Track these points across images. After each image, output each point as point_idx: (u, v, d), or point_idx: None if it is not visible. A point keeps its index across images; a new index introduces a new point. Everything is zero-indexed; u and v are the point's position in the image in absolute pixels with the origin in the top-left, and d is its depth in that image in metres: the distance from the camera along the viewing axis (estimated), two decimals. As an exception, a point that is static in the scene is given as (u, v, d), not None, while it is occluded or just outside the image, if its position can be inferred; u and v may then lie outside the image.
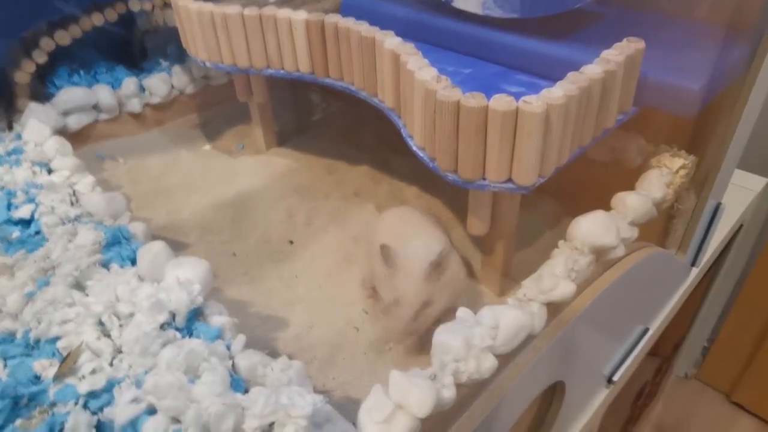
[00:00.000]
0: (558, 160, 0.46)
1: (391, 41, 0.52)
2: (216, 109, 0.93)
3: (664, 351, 1.06)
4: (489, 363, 0.40)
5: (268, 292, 0.61)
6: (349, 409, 0.47)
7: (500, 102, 0.41)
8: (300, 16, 0.60)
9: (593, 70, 0.46)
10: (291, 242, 0.69)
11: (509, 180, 0.45)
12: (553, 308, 0.45)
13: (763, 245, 1.12)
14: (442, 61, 0.61)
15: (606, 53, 0.48)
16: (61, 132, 0.75)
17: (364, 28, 0.56)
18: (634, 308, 0.65)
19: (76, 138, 0.78)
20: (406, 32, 0.56)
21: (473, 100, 0.42)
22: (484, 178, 0.46)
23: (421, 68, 0.46)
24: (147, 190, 0.76)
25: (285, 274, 0.64)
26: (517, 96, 0.43)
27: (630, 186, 0.57)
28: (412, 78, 0.47)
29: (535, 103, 0.41)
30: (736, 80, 0.55)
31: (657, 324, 0.72)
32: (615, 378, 0.65)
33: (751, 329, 1.21)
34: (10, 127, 0.73)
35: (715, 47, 0.55)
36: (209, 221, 0.71)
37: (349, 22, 0.57)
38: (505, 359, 0.42)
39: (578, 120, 0.46)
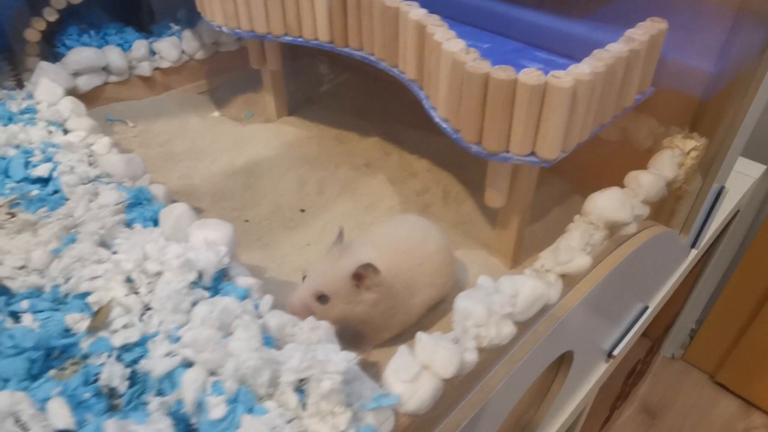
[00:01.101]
0: (580, 136, 0.47)
1: (416, 12, 0.52)
2: (225, 75, 0.93)
3: (655, 331, 1.09)
4: (508, 329, 0.41)
5: (281, 259, 0.62)
6: (367, 369, 0.49)
7: (530, 76, 0.42)
8: (322, -17, 0.60)
9: (618, 48, 0.47)
10: (302, 211, 0.70)
11: (532, 153, 0.46)
12: (569, 280, 0.47)
13: (756, 232, 1.14)
14: (460, 35, 0.61)
15: (630, 32, 0.49)
16: (71, 93, 0.75)
17: (387, -3, 0.56)
18: (638, 286, 0.67)
19: (86, 99, 0.77)
20: (423, 5, 0.56)
21: (503, 72, 0.42)
22: (507, 151, 0.46)
23: (449, 39, 0.47)
24: (157, 155, 0.76)
25: (297, 242, 0.65)
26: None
27: (641, 166, 0.59)
28: (439, 49, 0.47)
29: (563, 78, 0.42)
30: (749, 65, 0.56)
31: (656, 303, 0.74)
32: (615, 353, 0.67)
33: (737, 314, 1.25)
34: (21, 86, 0.72)
35: (733, 32, 0.55)
36: (221, 188, 0.71)
37: (372, -9, 0.57)
38: (523, 327, 0.43)
39: (601, 97, 0.47)
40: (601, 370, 0.68)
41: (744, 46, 0.55)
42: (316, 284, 0.45)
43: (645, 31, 0.49)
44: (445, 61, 0.47)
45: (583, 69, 0.43)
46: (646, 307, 0.72)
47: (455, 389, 0.39)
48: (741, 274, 1.20)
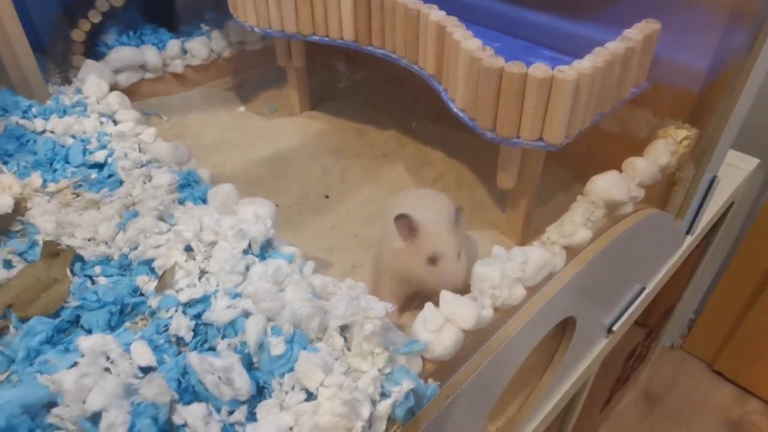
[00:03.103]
0: (582, 123, 0.53)
1: (436, 14, 0.58)
2: (250, 72, 0.99)
3: (654, 319, 1.14)
4: (519, 291, 0.48)
5: (310, 239, 0.68)
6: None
7: (538, 70, 0.48)
8: (348, -13, 0.66)
9: (616, 46, 0.53)
10: (327, 197, 0.76)
11: (540, 138, 0.52)
12: (571, 252, 0.53)
13: (751, 223, 1.19)
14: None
15: (627, 32, 0.55)
16: (113, 88, 0.81)
17: (409, 1, 0.62)
18: (635, 266, 0.73)
19: (125, 94, 0.84)
20: (438, 6, 0.62)
21: (515, 67, 0.48)
22: (518, 136, 0.53)
23: (466, 39, 0.53)
24: (190, 146, 0.82)
25: (324, 225, 0.71)
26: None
27: (637, 154, 0.64)
28: (457, 47, 0.53)
29: (568, 71, 0.48)
30: (737, 62, 0.62)
31: (653, 284, 0.80)
32: (614, 328, 0.73)
33: (734, 303, 1.29)
34: (68, 82, 0.78)
35: (722, 30, 0.61)
36: (252, 176, 0.78)
37: (394, -5, 0.63)
38: (531, 290, 0.49)
39: (601, 89, 0.53)
40: (602, 344, 0.74)
41: (731, 44, 0.61)
42: (450, 246, 0.50)
43: (640, 30, 0.55)
44: (463, 57, 0.53)
45: (585, 64, 0.49)
46: (644, 288, 0.77)
47: (473, 341, 0.45)
48: (737, 266, 1.25)
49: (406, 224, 0.50)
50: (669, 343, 1.48)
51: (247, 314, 0.41)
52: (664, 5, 0.68)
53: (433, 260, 0.50)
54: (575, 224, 0.52)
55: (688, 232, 0.85)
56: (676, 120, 0.67)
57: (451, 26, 0.56)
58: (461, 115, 0.56)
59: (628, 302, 0.76)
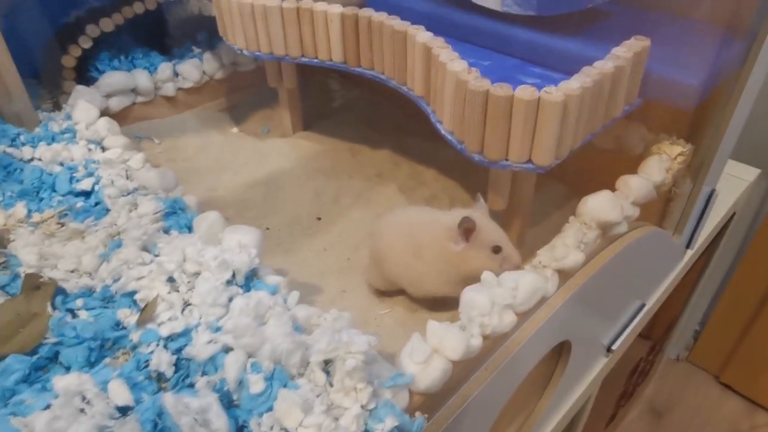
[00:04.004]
0: (572, 144, 0.52)
1: (422, 35, 0.58)
2: (243, 93, 0.98)
3: (658, 332, 1.12)
4: (509, 318, 0.46)
5: (301, 263, 0.67)
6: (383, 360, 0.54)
7: (525, 92, 0.47)
8: (335, 9, 0.65)
9: (605, 65, 0.52)
10: (319, 219, 0.75)
11: (529, 161, 0.51)
12: (564, 275, 0.52)
13: (754, 233, 1.18)
14: (462, 53, 0.66)
15: (616, 50, 0.54)
16: (104, 113, 0.81)
17: (396, 22, 0.61)
18: (633, 283, 0.72)
19: (116, 119, 0.83)
20: (427, 26, 0.61)
21: (501, 89, 0.48)
22: (506, 159, 0.52)
23: (452, 60, 0.52)
24: (182, 169, 0.82)
25: (315, 247, 0.70)
26: (535, 87, 0.49)
27: (631, 171, 0.63)
28: (444, 69, 0.53)
29: (555, 93, 0.47)
30: (731, 76, 0.61)
31: (653, 300, 0.78)
32: (614, 347, 0.72)
33: (740, 314, 1.27)
34: (58, 108, 0.78)
35: (714, 45, 0.60)
36: (243, 198, 0.77)
37: (382, 17, 0.63)
38: (522, 317, 0.48)
39: (591, 109, 0.52)
40: (601, 363, 0.72)
41: (724, 58, 0.60)
42: (507, 240, 0.54)
43: (629, 48, 0.54)
44: (449, 79, 0.52)
45: (573, 84, 0.48)
46: (644, 305, 0.76)
47: (462, 371, 0.44)
48: (742, 275, 1.23)
49: (468, 226, 0.52)
50: (674, 355, 1.46)
51: (228, 349, 0.40)
52: (654, 20, 0.67)
53: (497, 249, 0.53)
54: (567, 247, 0.51)
55: (688, 246, 0.83)
56: (670, 136, 0.66)
57: (438, 47, 0.55)
58: (449, 137, 0.55)
59: (627, 320, 0.74)
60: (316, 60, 0.71)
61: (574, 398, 0.68)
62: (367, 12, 0.64)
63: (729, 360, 1.35)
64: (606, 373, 0.75)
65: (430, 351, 0.42)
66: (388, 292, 0.62)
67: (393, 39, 0.62)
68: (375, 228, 0.61)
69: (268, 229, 0.73)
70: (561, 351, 0.60)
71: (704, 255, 0.99)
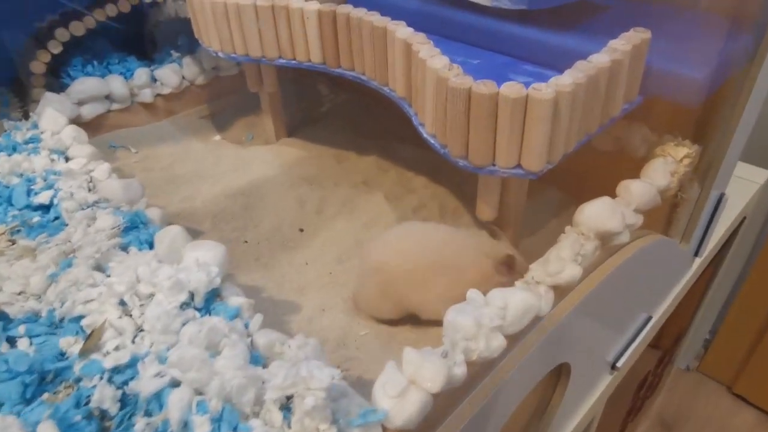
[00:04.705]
0: (566, 146, 0.47)
1: (403, 31, 0.53)
2: (226, 99, 0.94)
3: (666, 342, 1.07)
4: (498, 342, 0.41)
5: (280, 278, 0.63)
6: (362, 387, 0.49)
7: (511, 89, 0.42)
8: (312, 6, 0.61)
9: (601, 58, 0.47)
10: (301, 230, 0.70)
11: (518, 166, 0.46)
12: (560, 291, 0.47)
13: (766, 237, 1.13)
14: (450, 52, 0.61)
15: (613, 43, 0.49)
16: (75, 121, 0.77)
17: (375, 18, 0.57)
18: (638, 295, 0.67)
19: (89, 127, 0.79)
20: (414, 23, 0.57)
21: (484, 87, 0.43)
22: (493, 164, 0.47)
23: (432, 56, 0.48)
24: (159, 179, 0.78)
25: (296, 261, 0.65)
26: (525, 85, 0.44)
27: (634, 175, 0.59)
28: (423, 66, 0.48)
29: (544, 89, 0.42)
30: (740, 71, 0.56)
31: (660, 312, 0.73)
32: (619, 364, 0.66)
33: (752, 322, 1.22)
34: (27, 117, 0.74)
35: (720, 37, 0.56)
36: (221, 209, 0.72)
37: (360, 12, 0.58)
38: (513, 339, 0.43)
39: (586, 107, 0.47)
40: (605, 382, 0.67)
41: (731, 52, 0.55)
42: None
43: (627, 41, 0.50)
44: (429, 77, 0.48)
45: (564, 80, 0.44)
46: (650, 317, 0.71)
47: (445, 402, 0.39)
48: (754, 281, 1.18)
49: (510, 263, 0.50)
50: (684, 365, 1.41)
51: (176, 384, 0.36)
52: (655, 12, 0.62)
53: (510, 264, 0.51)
54: (563, 260, 0.46)
55: (696, 254, 0.78)
56: (675, 136, 0.61)
57: (417, 43, 0.50)
58: (432, 141, 0.51)
59: (633, 334, 0.69)
60: (294, 61, 0.67)
61: (576, 421, 0.63)
62: (345, 8, 0.60)
63: (741, 369, 1.30)
64: (611, 392, 0.70)
65: (406, 382, 0.37)
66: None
67: (373, 36, 0.57)
68: (379, 244, 0.56)
69: (246, 242, 0.68)
70: (560, 373, 0.55)
71: (713, 261, 0.94)
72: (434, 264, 0.51)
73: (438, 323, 0.52)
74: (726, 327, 1.29)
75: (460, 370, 0.39)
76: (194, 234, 0.68)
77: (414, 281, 0.52)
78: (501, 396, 0.42)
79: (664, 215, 0.68)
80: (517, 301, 0.43)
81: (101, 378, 0.38)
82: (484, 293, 0.47)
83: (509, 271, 0.50)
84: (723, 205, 0.70)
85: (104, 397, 0.36)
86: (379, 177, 0.78)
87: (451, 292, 0.50)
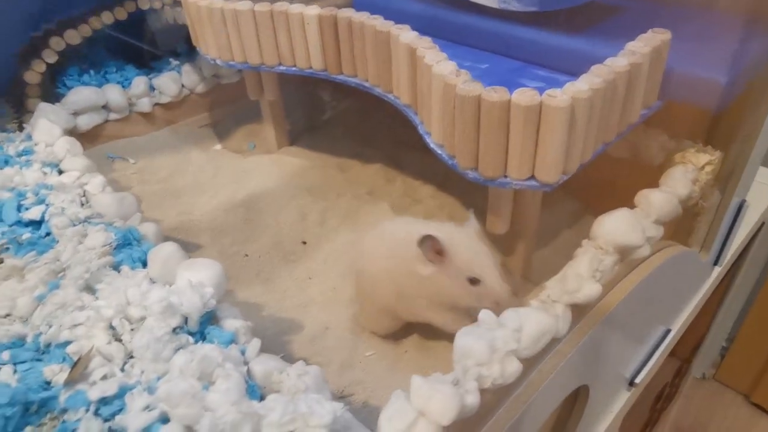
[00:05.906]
0: (582, 156, 0.44)
1: (406, 35, 0.50)
2: (226, 108, 0.92)
3: (682, 352, 1.04)
4: (513, 367, 0.38)
5: (281, 294, 0.60)
6: (368, 413, 0.46)
7: (523, 96, 0.40)
8: (312, 11, 0.59)
9: (618, 62, 0.44)
10: (304, 243, 0.68)
11: (532, 177, 0.44)
12: (578, 310, 0.44)
13: (784, 242, 1.10)
14: (457, 56, 0.58)
15: (631, 45, 0.46)
16: (72, 132, 0.75)
17: (378, 22, 0.54)
18: (657, 309, 0.64)
19: (87, 138, 0.78)
20: (420, 28, 0.54)
21: (495, 94, 0.40)
22: (505, 176, 0.44)
23: (439, 62, 0.45)
24: (157, 191, 0.76)
25: (298, 275, 0.63)
26: (538, 91, 0.41)
27: (652, 184, 0.56)
28: (429, 72, 0.45)
29: (559, 96, 0.39)
30: (762, 73, 0.53)
31: (679, 325, 0.70)
32: (637, 380, 0.63)
33: (771, 328, 1.19)
34: (21, 128, 0.72)
35: (742, 39, 0.53)
36: (221, 222, 0.70)
37: (363, 17, 0.56)
38: (529, 363, 0.40)
39: (603, 115, 0.44)
40: (623, 399, 0.64)
41: (754, 54, 0.52)
42: (491, 266, 0.46)
43: (646, 42, 0.47)
44: (436, 84, 0.45)
45: (581, 86, 0.41)
46: (669, 330, 0.68)
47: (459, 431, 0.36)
48: (771, 288, 1.15)
49: (432, 246, 0.44)
50: (700, 373, 1.37)
51: (165, 419, 0.33)
52: (672, 13, 0.59)
53: (473, 281, 0.45)
54: (581, 277, 0.43)
55: (716, 263, 0.75)
56: (695, 143, 0.58)
57: (423, 48, 0.48)
58: (439, 151, 0.48)
59: (651, 349, 0.66)
60: (294, 68, 0.64)
61: (593, 441, 0.60)
62: (346, 12, 0.57)
63: (760, 378, 1.27)
64: (628, 408, 0.66)
65: (415, 414, 0.34)
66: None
67: (376, 41, 0.55)
68: (360, 248, 0.54)
69: (246, 255, 0.66)
70: (577, 394, 0.51)
71: (731, 269, 0.90)
72: (390, 260, 0.48)
73: (445, 338, 0.50)
74: (743, 334, 1.26)
75: (473, 399, 0.36)
76: (192, 248, 0.66)
77: (383, 283, 0.49)
78: (518, 426, 0.39)
79: (683, 224, 0.64)
80: (532, 322, 0.40)
81: (87, 410, 0.35)
82: (426, 285, 0.46)
83: (436, 257, 0.45)
84: (743, 212, 0.67)
85: (90, 431, 0.34)
86: (384, 187, 0.75)
87: (409, 289, 0.48)
